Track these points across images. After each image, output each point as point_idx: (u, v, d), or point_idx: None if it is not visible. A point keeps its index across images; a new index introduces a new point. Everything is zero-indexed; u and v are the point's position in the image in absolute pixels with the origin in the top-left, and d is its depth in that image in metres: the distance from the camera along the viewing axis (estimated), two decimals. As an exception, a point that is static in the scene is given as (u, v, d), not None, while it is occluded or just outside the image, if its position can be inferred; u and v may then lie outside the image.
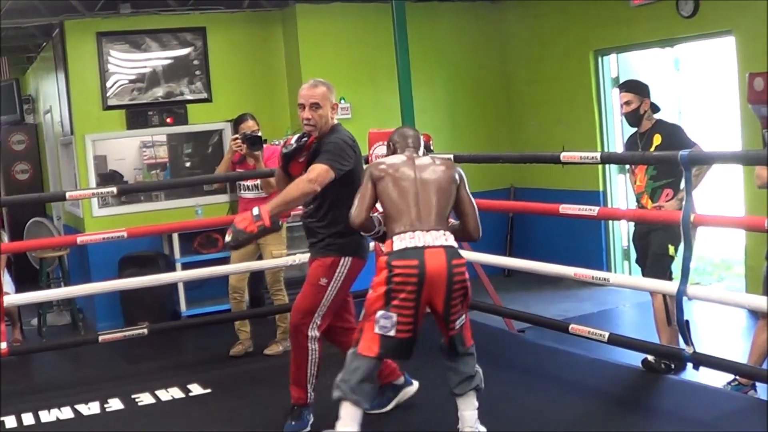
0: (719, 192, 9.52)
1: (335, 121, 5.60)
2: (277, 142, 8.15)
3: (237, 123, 7.94)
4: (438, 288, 4.81)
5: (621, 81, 7.75)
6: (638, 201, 6.91)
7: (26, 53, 13.21)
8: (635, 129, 6.96)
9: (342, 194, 5.31)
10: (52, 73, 11.07)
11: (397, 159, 5.24)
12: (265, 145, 7.84)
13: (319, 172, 5.22)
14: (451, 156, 7.47)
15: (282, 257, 7.72)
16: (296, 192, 5.21)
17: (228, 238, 5.15)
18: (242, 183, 7.89)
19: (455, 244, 4.97)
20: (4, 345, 6.75)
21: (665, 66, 9.70)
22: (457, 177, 5.24)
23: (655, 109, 6.91)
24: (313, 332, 5.43)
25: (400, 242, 4.88)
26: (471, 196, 5.33)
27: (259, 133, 7.71)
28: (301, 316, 5.45)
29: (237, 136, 7.75)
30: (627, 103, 6.86)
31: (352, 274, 5.52)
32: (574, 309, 9.22)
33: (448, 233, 4.97)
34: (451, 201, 5.16)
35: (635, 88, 6.92)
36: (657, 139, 6.69)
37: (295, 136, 5.55)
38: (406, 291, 4.77)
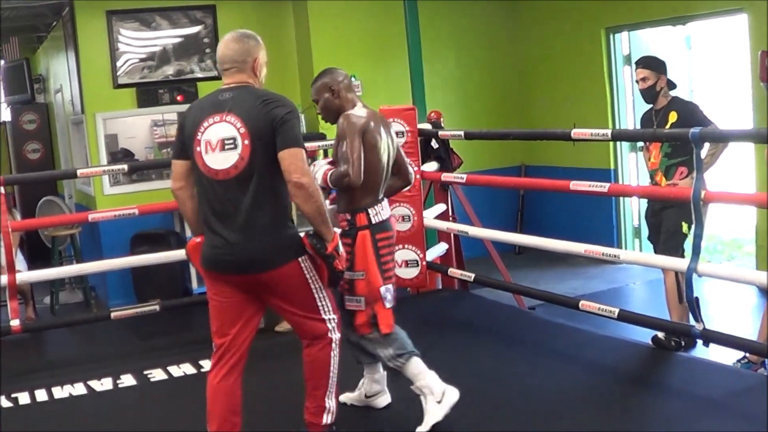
0: (730, 170, 9.51)
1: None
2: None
3: None
4: None
5: (633, 59, 7.72)
6: (652, 178, 6.90)
7: (36, 33, 13.20)
8: (650, 106, 6.93)
9: None
10: (63, 52, 11.08)
11: (372, 116, 4.92)
12: None
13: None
14: (462, 133, 7.48)
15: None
16: None
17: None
18: None
19: None
20: (17, 322, 6.78)
21: (677, 44, 9.66)
22: None
23: (671, 86, 6.87)
24: None
25: (375, 215, 4.87)
26: None
27: None
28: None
29: None
30: (643, 79, 6.82)
31: None
32: (585, 286, 9.24)
33: None
34: None
35: (652, 65, 6.87)
36: (673, 117, 6.66)
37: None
38: (390, 260, 4.83)
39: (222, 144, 4.21)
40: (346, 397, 5.26)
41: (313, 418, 4.62)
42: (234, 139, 4.19)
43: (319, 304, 4.51)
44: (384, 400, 5.29)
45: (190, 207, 4.45)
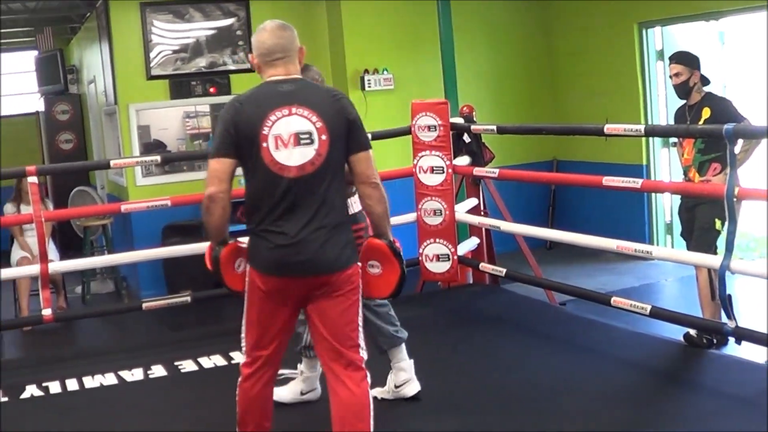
0: (763, 166, 9.44)
1: None
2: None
3: None
4: None
5: (666, 54, 7.68)
6: (685, 174, 6.85)
7: (70, 24, 13.31)
8: (684, 101, 6.89)
9: None
10: (96, 43, 11.13)
11: None
12: None
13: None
14: (494, 127, 7.47)
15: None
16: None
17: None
18: None
19: None
20: (49, 312, 6.83)
21: (710, 39, 9.61)
22: None
23: (705, 81, 6.81)
24: None
25: (354, 205, 4.85)
26: None
27: None
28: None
29: None
30: (677, 74, 6.77)
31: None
32: (616, 282, 9.20)
33: None
34: None
35: (685, 60, 6.82)
36: (706, 113, 6.61)
37: None
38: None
39: (296, 139, 3.93)
40: (377, 392, 5.18)
41: None
42: (310, 133, 3.95)
43: (359, 324, 4.16)
44: (413, 387, 5.26)
45: (225, 213, 4.04)
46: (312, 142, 3.95)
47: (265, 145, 3.93)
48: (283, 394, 5.22)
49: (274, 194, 3.96)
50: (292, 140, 3.94)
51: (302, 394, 5.30)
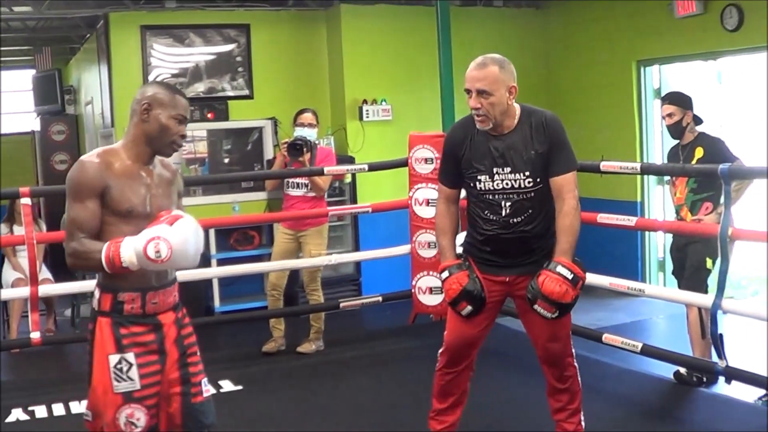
0: (756, 207, 9.46)
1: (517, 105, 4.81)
2: (320, 143, 8.13)
3: (296, 115, 7.81)
4: None
5: (663, 92, 7.72)
6: (678, 213, 6.88)
7: (69, 44, 13.31)
8: (677, 141, 6.93)
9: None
10: (95, 64, 11.14)
11: None
12: (318, 146, 7.81)
13: (575, 185, 4.70)
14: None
15: (320, 256, 7.70)
16: (578, 222, 4.69)
17: (547, 313, 4.57)
18: (290, 180, 7.77)
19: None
20: (37, 335, 6.81)
21: (708, 79, 9.65)
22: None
23: (697, 121, 6.86)
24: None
25: None
26: (67, 206, 3.81)
27: (311, 137, 7.66)
28: (564, 341, 4.91)
29: (286, 140, 7.73)
30: (670, 115, 6.82)
31: None
32: (608, 318, 9.19)
33: None
34: None
35: (678, 101, 6.87)
36: (699, 152, 6.65)
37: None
38: None
39: None
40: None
41: None
42: None
43: None
44: None
45: None
46: None
47: None
48: None
49: None
50: None
51: None
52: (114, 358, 3.73)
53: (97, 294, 3.86)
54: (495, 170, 4.57)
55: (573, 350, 4.92)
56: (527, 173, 4.55)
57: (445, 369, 4.90)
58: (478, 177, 4.61)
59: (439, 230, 4.84)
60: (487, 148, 4.59)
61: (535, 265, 4.62)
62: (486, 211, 4.63)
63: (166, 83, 4.16)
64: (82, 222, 3.68)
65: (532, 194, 4.58)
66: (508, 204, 4.59)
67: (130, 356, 3.73)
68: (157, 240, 3.52)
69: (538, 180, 4.57)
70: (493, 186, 4.58)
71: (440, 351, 4.92)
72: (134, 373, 3.72)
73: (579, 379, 4.94)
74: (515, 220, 4.61)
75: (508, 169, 4.56)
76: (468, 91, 4.61)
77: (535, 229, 4.64)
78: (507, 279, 4.73)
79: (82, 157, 3.78)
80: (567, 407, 4.93)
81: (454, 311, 4.68)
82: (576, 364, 4.92)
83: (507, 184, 4.56)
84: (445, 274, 4.64)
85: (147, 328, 3.80)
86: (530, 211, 4.60)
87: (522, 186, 4.57)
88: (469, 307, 4.63)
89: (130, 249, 3.53)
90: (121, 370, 3.72)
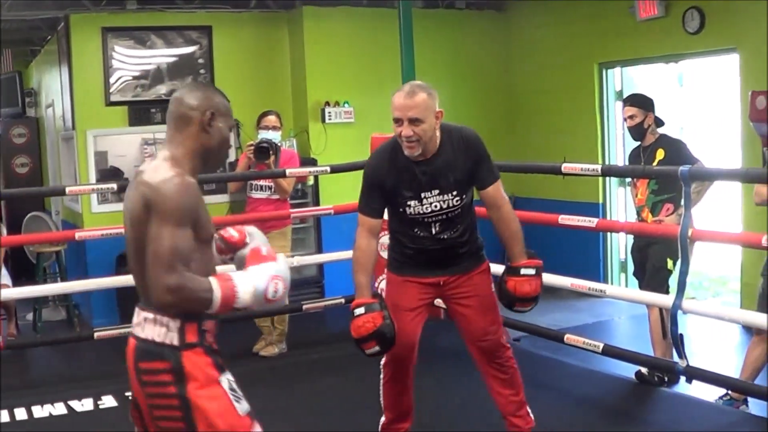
0: (717, 208, 9.54)
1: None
2: (283, 145, 8.12)
3: (259, 117, 7.83)
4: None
5: (624, 94, 7.76)
6: (639, 214, 6.92)
7: (30, 46, 13.20)
8: (639, 143, 6.97)
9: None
10: (56, 66, 11.07)
11: None
12: (282, 149, 7.82)
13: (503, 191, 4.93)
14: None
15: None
16: (519, 223, 4.92)
17: (525, 309, 4.96)
18: (253, 182, 7.77)
19: (158, 333, 3.43)
20: (-1, 338, 6.76)
21: (669, 81, 9.71)
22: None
23: (659, 123, 6.91)
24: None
25: None
26: (166, 232, 3.25)
27: (275, 140, 7.66)
28: (498, 334, 4.98)
29: (252, 142, 7.72)
30: (631, 117, 6.86)
31: None
32: (570, 319, 9.23)
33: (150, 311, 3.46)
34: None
35: (640, 102, 6.91)
36: (660, 154, 6.69)
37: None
38: None
39: None
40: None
41: None
42: None
43: None
44: None
45: None
46: None
47: None
48: None
49: None
50: None
51: None
52: (225, 381, 3.26)
53: (173, 325, 3.31)
54: (423, 195, 4.66)
55: (507, 341, 5.05)
56: (455, 192, 4.69)
57: (391, 379, 4.93)
58: (408, 203, 4.68)
59: (358, 266, 4.72)
60: (414, 173, 4.66)
61: (462, 266, 4.83)
62: (415, 229, 4.74)
63: (216, 87, 3.56)
64: (183, 252, 3.18)
65: (459, 210, 4.72)
66: (437, 223, 4.72)
67: (230, 376, 3.31)
68: (278, 280, 3.26)
69: (464, 196, 4.74)
70: (422, 210, 4.68)
71: (382, 363, 4.92)
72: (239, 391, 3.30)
73: (519, 371, 5.00)
74: (444, 236, 4.75)
75: (437, 191, 4.67)
76: (398, 120, 4.66)
77: (462, 238, 4.81)
78: (439, 281, 4.83)
79: (177, 175, 3.28)
80: (512, 399, 4.97)
81: (359, 348, 4.60)
82: (513, 355, 5.00)
83: (436, 206, 4.68)
84: (360, 310, 4.54)
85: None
86: (458, 225, 4.75)
87: (450, 205, 4.70)
88: (377, 348, 4.56)
89: (249, 288, 3.18)
90: (234, 390, 3.26)
